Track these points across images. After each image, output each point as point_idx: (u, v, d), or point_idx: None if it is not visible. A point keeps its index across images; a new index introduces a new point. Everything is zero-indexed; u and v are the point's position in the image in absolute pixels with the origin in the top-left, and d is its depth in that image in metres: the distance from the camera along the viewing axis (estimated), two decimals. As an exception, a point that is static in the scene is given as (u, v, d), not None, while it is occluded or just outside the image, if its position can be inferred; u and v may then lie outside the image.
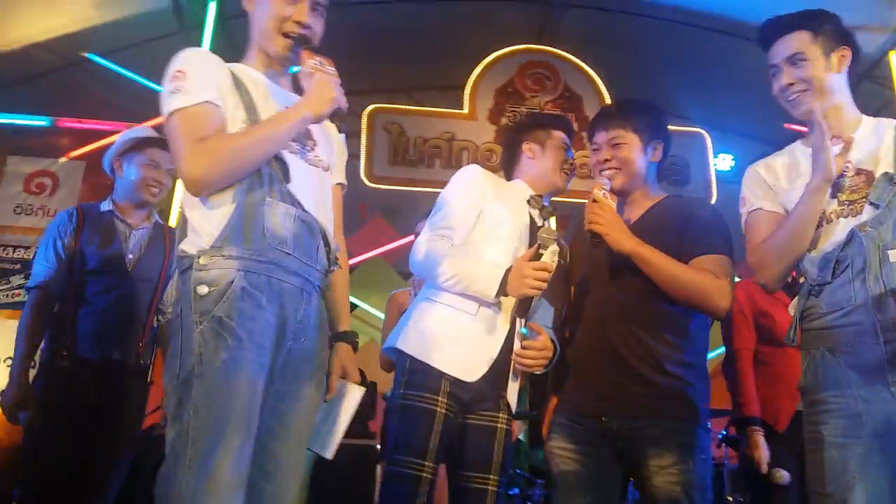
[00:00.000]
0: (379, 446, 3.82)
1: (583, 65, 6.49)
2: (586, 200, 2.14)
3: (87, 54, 5.91)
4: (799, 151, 1.98)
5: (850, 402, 1.71)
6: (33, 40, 5.89)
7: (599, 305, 2.16)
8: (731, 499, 3.41)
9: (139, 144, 2.88)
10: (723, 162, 6.57)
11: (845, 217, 1.81)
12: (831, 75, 1.89)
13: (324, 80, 1.71)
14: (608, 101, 6.38)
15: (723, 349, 3.15)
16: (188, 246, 1.67)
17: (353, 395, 1.96)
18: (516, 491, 4.28)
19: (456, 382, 2.09)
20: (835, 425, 1.73)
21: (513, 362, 2.15)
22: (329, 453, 1.93)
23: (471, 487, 2.12)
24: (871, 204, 1.78)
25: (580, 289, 2.26)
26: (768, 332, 3.00)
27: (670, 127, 2.35)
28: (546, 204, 2.37)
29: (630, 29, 6.32)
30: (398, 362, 2.19)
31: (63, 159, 6.09)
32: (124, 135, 2.95)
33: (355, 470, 4.32)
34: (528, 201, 2.33)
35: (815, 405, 1.79)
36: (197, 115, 1.65)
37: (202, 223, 1.67)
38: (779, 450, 2.83)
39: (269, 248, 1.65)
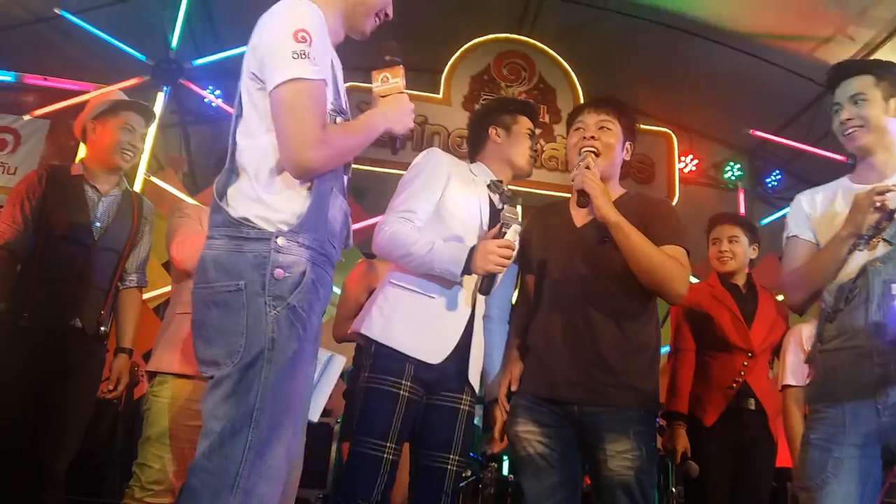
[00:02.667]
0: (337, 425, 3.81)
1: (559, 58, 6.52)
2: (553, 192, 2.21)
3: (60, 11, 5.76)
4: (841, 189, 2.16)
5: (839, 414, 1.95)
6: (6, -6, 5.76)
7: (566, 289, 2.22)
8: (674, 490, 3.52)
9: (115, 107, 2.85)
10: (687, 163, 6.67)
11: (861, 251, 2.01)
12: (887, 118, 2.08)
13: (410, 107, 1.80)
14: (581, 95, 6.43)
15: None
16: (256, 219, 1.59)
17: (338, 364, 2.11)
18: (470, 474, 4.34)
19: (420, 365, 2.13)
20: (822, 431, 1.97)
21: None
22: (316, 417, 2.06)
23: (432, 466, 2.17)
24: (885, 241, 1.99)
25: (544, 273, 2.31)
26: (711, 335, 3.13)
27: (640, 126, 2.49)
28: (505, 189, 2.39)
29: (606, 25, 6.36)
30: (364, 347, 2.22)
31: (27, 117, 5.96)
32: (99, 98, 2.92)
33: (312, 448, 4.34)
34: (489, 186, 2.37)
35: (813, 413, 2.05)
36: (321, 93, 1.59)
37: (281, 202, 1.60)
38: (705, 443, 3.04)
39: (326, 240, 1.65)
